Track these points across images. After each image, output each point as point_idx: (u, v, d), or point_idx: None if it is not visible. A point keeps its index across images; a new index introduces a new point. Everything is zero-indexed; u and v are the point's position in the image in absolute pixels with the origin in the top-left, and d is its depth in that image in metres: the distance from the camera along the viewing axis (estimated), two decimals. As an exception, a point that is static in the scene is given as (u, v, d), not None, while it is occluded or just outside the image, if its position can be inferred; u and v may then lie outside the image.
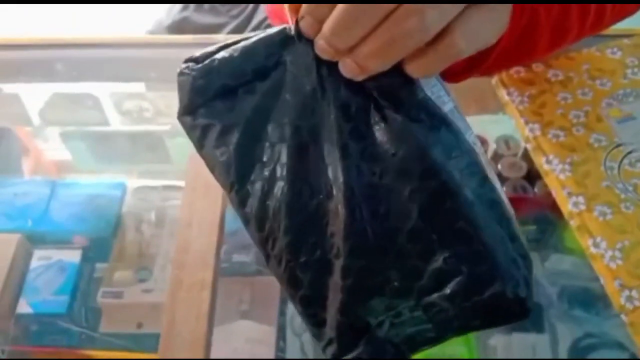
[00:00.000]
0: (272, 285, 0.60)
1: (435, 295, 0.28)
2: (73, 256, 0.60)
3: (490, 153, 0.61)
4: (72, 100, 0.71)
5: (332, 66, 0.29)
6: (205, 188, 0.53)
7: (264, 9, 0.82)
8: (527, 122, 0.49)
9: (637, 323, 0.40)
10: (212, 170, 0.32)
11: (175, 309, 0.47)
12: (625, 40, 0.53)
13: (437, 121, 0.29)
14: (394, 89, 0.29)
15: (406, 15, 0.26)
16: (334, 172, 0.29)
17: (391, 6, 0.26)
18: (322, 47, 0.28)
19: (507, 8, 0.31)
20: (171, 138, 0.71)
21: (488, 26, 0.29)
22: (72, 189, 0.64)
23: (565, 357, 0.58)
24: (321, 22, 0.28)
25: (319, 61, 0.29)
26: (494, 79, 0.53)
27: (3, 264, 0.57)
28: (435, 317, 0.28)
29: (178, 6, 0.83)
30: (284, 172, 0.29)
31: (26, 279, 0.58)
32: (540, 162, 0.48)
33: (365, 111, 0.29)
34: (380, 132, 0.29)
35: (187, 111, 0.32)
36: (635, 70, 0.51)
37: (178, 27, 0.83)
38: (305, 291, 0.30)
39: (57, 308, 0.57)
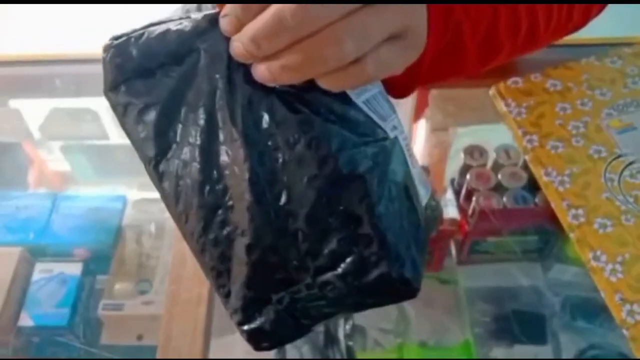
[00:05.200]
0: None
1: (329, 275, 0.31)
2: (74, 269, 0.60)
3: (490, 163, 0.61)
4: (71, 115, 0.71)
5: None
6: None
7: None
8: (525, 134, 0.49)
9: (639, 338, 0.39)
10: (133, 144, 0.34)
11: (172, 324, 0.47)
12: (626, 49, 0.53)
13: (338, 116, 0.31)
14: (303, 88, 0.31)
15: (327, 41, 0.27)
16: (240, 157, 0.30)
17: (314, 29, 0.27)
18: (238, 49, 0.29)
19: (421, 44, 0.32)
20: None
21: (398, 60, 0.31)
22: (73, 201, 0.64)
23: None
24: (242, 25, 0.29)
25: (230, 52, 0.31)
26: (492, 90, 0.52)
27: (5, 277, 0.57)
28: (328, 294, 0.31)
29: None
30: (196, 154, 0.31)
31: (28, 291, 0.58)
32: (539, 174, 0.47)
33: (271, 103, 0.31)
34: (283, 123, 0.31)
35: (110, 88, 0.33)
36: (636, 79, 0.51)
37: None
38: (215, 264, 0.32)
39: (58, 320, 0.57)
